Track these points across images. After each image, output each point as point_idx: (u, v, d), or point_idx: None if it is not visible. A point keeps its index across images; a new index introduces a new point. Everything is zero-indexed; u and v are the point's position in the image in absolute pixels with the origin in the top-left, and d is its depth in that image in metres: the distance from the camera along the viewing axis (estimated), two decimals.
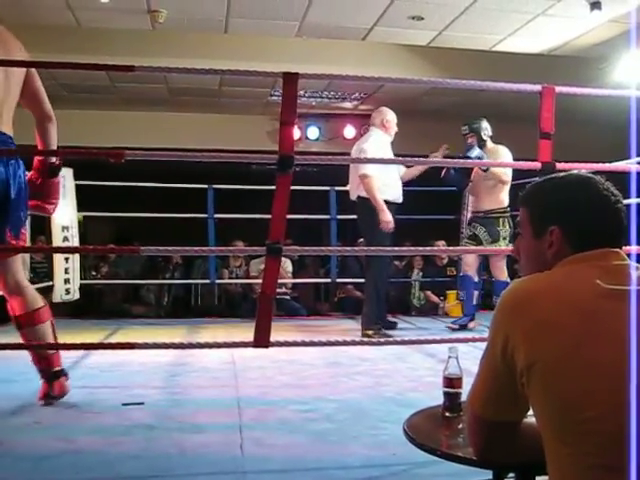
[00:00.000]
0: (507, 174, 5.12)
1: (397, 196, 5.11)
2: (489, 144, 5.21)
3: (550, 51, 6.84)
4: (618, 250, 1.21)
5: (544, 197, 1.29)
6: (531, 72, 6.25)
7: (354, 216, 7.08)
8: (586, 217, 1.23)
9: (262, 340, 3.18)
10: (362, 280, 7.28)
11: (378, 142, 5.06)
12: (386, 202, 4.89)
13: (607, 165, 3.84)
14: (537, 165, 3.61)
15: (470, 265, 5.40)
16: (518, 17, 5.96)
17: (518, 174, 4.65)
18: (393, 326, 5.43)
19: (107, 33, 6.08)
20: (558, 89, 3.50)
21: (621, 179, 1.63)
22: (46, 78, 7.24)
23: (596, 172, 1.37)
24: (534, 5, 5.68)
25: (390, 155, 5.05)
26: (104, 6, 5.67)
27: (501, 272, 5.18)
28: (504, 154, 5.16)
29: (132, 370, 3.77)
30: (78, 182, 5.95)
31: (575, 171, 1.33)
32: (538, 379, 1.10)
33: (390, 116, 5.23)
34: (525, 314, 1.14)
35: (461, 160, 4.77)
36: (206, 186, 6.50)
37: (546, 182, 1.32)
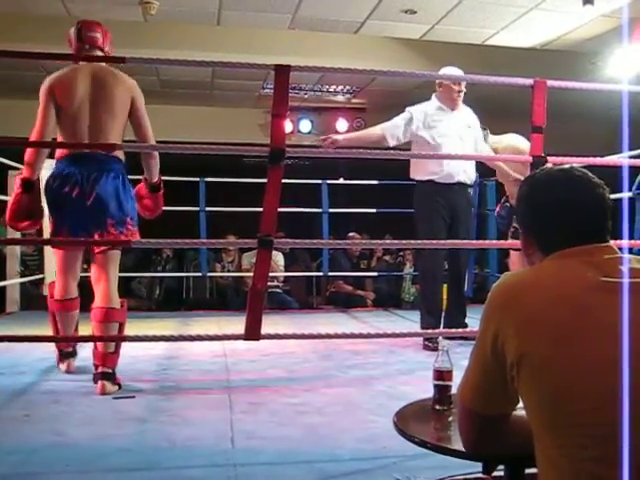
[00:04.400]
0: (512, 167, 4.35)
1: (454, 176, 4.31)
2: (489, 140, 4.57)
3: (542, 45, 6.85)
4: (608, 244, 1.20)
5: (518, 199, 1.31)
6: (523, 66, 6.24)
7: (346, 209, 7.13)
8: (554, 218, 1.23)
9: (253, 333, 3.18)
10: (353, 274, 7.33)
11: (426, 107, 4.33)
12: (435, 183, 4.26)
13: (599, 159, 3.85)
14: (528, 159, 3.61)
15: (515, 264, 4.68)
16: (511, 11, 5.96)
17: None
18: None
19: None
20: (550, 83, 3.50)
21: (612, 173, 1.63)
22: (37, 69, 7.22)
23: (587, 166, 1.37)
24: None
25: (450, 126, 4.29)
26: None
27: None
28: (505, 146, 4.49)
29: (123, 363, 3.75)
30: None
31: (559, 166, 1.32)
32: (528, 372, 1.10)
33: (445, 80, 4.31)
34: (515, 307, 1.14)
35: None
36: (198, 179, 6.48)
37: (524, 182, 1.33)
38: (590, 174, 1.25)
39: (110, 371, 3.08)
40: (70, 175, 3.13)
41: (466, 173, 4.40)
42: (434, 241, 3.93)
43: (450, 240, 4.17)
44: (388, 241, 4.30)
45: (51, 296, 3.40)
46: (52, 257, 5.86)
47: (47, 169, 3.40)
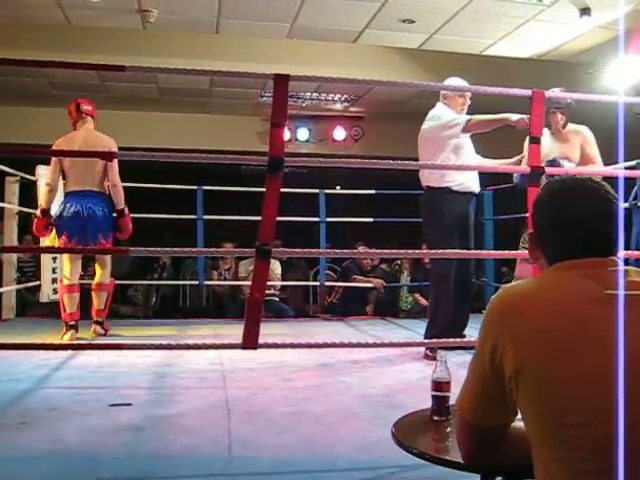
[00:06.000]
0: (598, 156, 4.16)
1: (468, 185, 4.31)
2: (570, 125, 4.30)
3: (540, 56, 6.89)
4: (611, 258, 1.19)
5: (533, 203, 1.31)
6: (521, 76, 6.27)
7: (344, 219, 7.13)
8: (559, 228, 1.22)
9: (250, 342, 3.18)
10: (352, 285, 7.32)
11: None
12: (451, 191, 4.21)
13: (596, 169, 3.86)
14: (526, 169, 3.63)
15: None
16: (509, 21, 6.00)
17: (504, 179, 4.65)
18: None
19: (97, 32, 6.06)
20: (548, 94, 3.52)
21: (609, 184, 1.63)
22: (35, 76, 7.24)
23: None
24: (524, 10, 5.72)
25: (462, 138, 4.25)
26: (94, 5, 5.65)
27: None
28: (588, 134, 4.21)
29: (120, 371, 3.75)
30: None
31: (576, 176, 1.32)
32: (527, 385, 1.10)
33: (450, 91, 4.29)
34: (515, 319, 1.14)
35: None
36: (195, 187, 6.48)
37: (542, 188, 1.32)
38: (606, 185, 1.23)
39: (100, 320, 4.86)
40: (74, 205, 4.62)
41: (476, 184, 4.41)
42: (443, 250, 3.84)
43: (459, 250, 4.10)
44: (387, 250, 4.29)
45: (61, 286, 4.84)
46: (48, 264, 5.91)
47: (58, 202, 4.85)
